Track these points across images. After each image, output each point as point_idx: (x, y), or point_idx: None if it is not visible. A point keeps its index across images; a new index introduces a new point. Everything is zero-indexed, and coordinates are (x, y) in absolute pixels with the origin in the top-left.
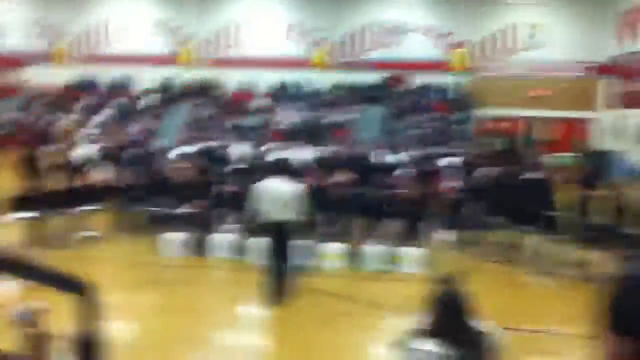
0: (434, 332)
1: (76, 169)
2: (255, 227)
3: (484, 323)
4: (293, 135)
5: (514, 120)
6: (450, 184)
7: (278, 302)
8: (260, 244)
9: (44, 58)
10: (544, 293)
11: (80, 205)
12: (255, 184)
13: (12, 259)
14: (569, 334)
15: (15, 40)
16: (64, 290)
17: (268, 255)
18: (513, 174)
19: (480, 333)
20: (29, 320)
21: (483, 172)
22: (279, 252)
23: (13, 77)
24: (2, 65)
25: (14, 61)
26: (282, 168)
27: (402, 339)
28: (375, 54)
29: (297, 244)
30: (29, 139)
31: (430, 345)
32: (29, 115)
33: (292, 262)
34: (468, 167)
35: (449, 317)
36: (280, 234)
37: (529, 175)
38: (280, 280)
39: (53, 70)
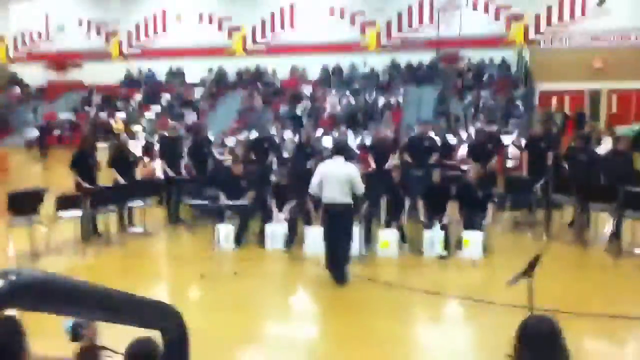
0: None
1: (132, 163)
2: (315, 212)
3: None
4: (345, 121)
5: (579, 93)
6: (515, 163)
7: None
8: (316, 233)
9: (100, 55)
10: (619, 275)
11: (132, 200)
12: (316, 166)
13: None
14: None
15: (73, 38)
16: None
17: (326, 241)
18: (583, 149)
19: None
20: (78, 332)
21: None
22: (337, 238)
23: (71, 74)
24: (61, 63)
25: (71, 58)
26: (340, 150)
27: None
28: (430, 31)
29: (355, 229)
30: (85, 135)
31: None
32: (86, 112)
33: (350, 248)
34: (533, 144)
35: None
36: (338, 218)
37: (603, 148)
38: (337, 266)
39: (109, 67)
